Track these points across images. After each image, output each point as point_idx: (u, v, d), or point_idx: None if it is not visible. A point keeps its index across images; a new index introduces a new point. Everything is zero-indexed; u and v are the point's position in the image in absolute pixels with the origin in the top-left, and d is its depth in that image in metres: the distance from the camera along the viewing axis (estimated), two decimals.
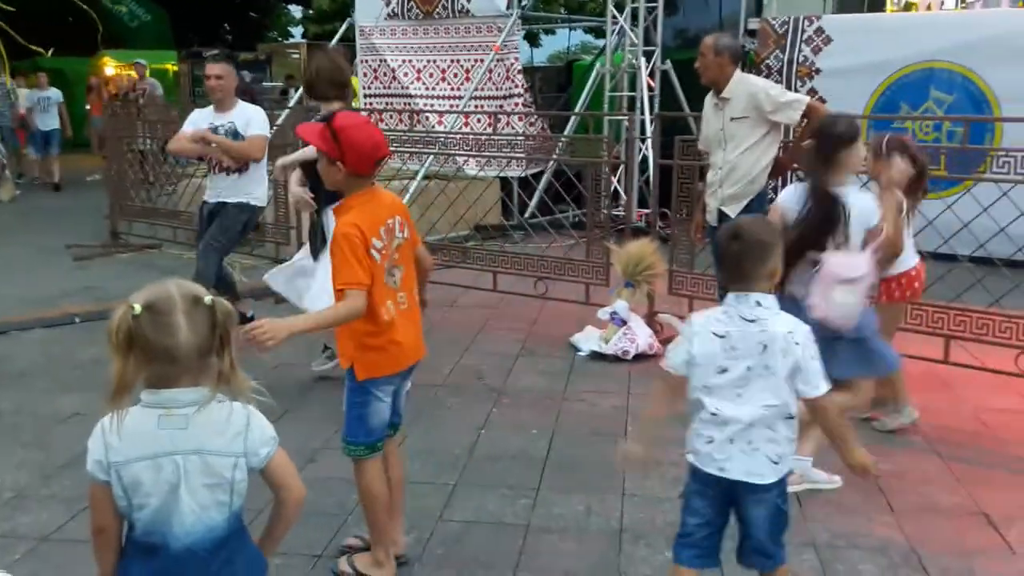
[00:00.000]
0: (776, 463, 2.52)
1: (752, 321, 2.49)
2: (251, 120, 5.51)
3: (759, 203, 4.85)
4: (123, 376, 1.87)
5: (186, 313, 1.88)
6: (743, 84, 4.79)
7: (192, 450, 1.92)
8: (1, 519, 3.57)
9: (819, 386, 2.49)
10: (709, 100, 4.98)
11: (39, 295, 7.00)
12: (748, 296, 2.51)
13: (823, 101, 8.67)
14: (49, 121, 13.47)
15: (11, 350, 5.73)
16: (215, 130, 5.47)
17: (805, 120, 4.76)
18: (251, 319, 5.96)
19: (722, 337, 2.50)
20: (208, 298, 1.93)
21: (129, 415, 1.92)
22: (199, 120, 5.60)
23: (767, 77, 8.95)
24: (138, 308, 1.87)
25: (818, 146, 3.64)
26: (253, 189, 5.67)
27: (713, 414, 2.51)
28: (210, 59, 5.84)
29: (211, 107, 5.61)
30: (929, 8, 11.50)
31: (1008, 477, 4.01)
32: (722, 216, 4.88)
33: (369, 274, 2.83)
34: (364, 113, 9.65)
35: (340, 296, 2.82)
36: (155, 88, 14.08)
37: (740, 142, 4.81)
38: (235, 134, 5.48)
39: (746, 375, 2.48)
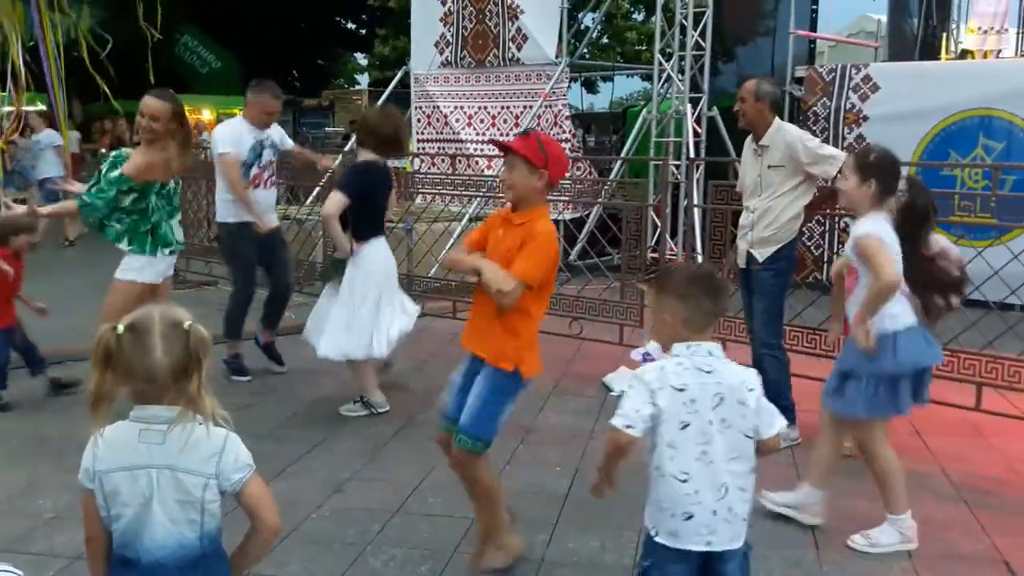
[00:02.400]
0: (746, 520, 2.46)
1: (708, 372, 2.42)
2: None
3: (789, 250, 4.85)
4: (99, 389, 2.02)
5: (163, 335, 2.01)
6: (781, 133, 4.81)
7: (165, 465, 2.03)
8: (40, 537, 3.73)
9: (774, 424, 2.47)
10: (748, 145, 5.02)
11: (95, 327, 7.27)
12: (701, 346, 2.44)
13: None
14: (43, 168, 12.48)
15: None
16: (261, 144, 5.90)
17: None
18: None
19: (681, 391, 2.39)
20: (187, 323, 2.05)
21: (117, 427, 2.06)
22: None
23: (814, 124, 9.01)
24: (121, 328, 2.01)
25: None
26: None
27: (683, 481, 2.38)
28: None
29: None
30: (986, 56, 11.45)
31: None
32: (750, 258, 4.91)
33: (546, 282, 3.21)
34: (416, 158, 9.91)
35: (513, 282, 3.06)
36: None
37: (776, 190, 4.83)
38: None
39: (708, 430, 2.39)
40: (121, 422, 2.07)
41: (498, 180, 3.50)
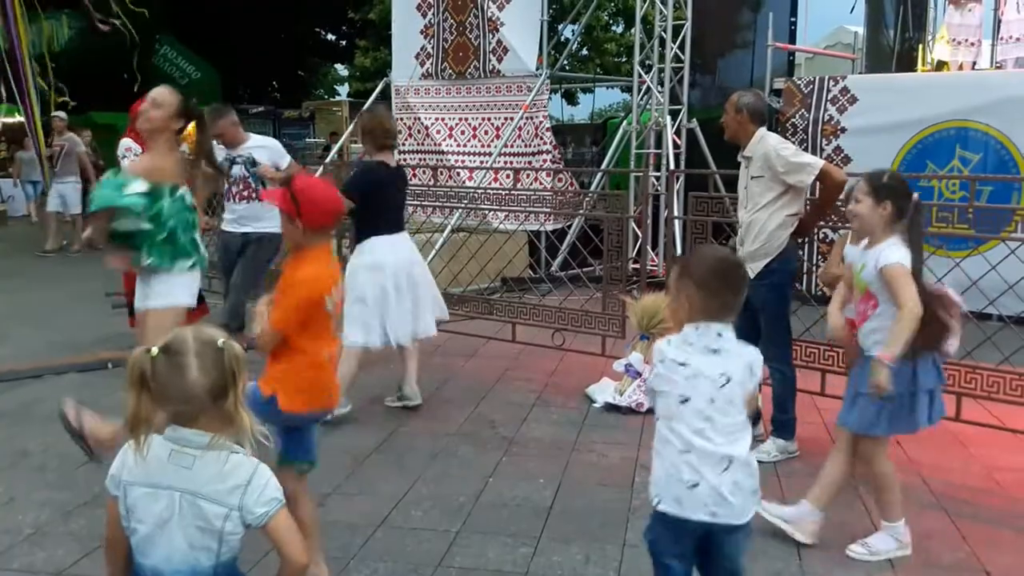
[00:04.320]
0: (756, 492, 2.57)
1: (715, 351, 2.54)
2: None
3: (781, 263, 4.82)
4: (136, 412, 2.00)
5: (198, 354, 2.00)
6: (761, 144, 4.82)
7: (189, 491, 2.02)
8: (20, 554, 3.69)
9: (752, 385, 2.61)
10: (740, 156, 5.05)
11: (75, 340, 7.24)
12: (711, 327, 2.54)
13: (848, 160, 8.81)
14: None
15: (44, 393, 5.92)
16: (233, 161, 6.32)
17: (820, 184, 4.81)
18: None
19: (683, 365, 2.52)
20: (221, 341, 2.05)
21: (150, 442, 2.04)
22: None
23: (793, 136, 9.08)
24: (155, 350, 2.00)
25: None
26: None
27: (685, 452, 2.50)
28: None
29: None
30: (961, 68, 11.57)
31: (1015, 536, 3.97)
32: None
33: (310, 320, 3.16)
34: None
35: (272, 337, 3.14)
36: (76, 144, 13.12)
37: (758, 201, 4.83)
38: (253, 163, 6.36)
39: (709, 407, 2.50)
40: (156, 436, 2.05)
41: None
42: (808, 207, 5.04)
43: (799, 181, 4.74)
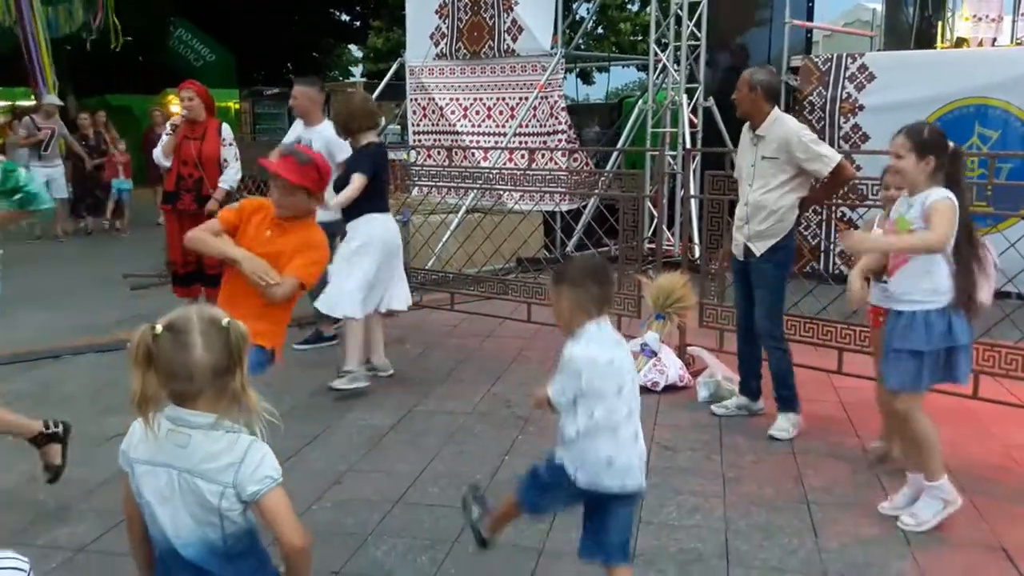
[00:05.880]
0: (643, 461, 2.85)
1: (618, 342, 2.83)
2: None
3: (787, 241, 4.83)
4: (142, 391, 1.99)
5: (202, 333, 2.00)
6: (779, 124, 4.78)
7: (185, 469, 2.03)
8: (43, 530, 3.75)
9: None
10: (746, 132, 5.01)
11: (94, 322, 7.29)
12: (603, 320, 2.80)
13: (866, 137, 8.76)
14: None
15: (63, 374, 5.99)
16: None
17: (831, 176, 4.78)
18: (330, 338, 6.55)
19: (611, 363, 2.74)
20: (225, 320, 2.05)
21: (156, 421, 2.05)
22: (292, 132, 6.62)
23: (810, 114, 9.02)
24: (159, 328, 2.00)
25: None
26: None
27: (613, 433, 2.72)
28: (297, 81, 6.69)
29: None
30: (981, 45, 11.45)
31: None
32: (748, 252, 4.92)
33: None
34: (412, 150, 9.93)
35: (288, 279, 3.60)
36: (62, 128, 12.50)
37: (768, 181, 4.81)
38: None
39: (630, 390, 2.78)
40: (160, 415, 2.06)
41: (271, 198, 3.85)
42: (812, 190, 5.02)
43: (815, 171, 4.73)
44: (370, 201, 5.55)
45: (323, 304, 5.55)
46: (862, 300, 4.20)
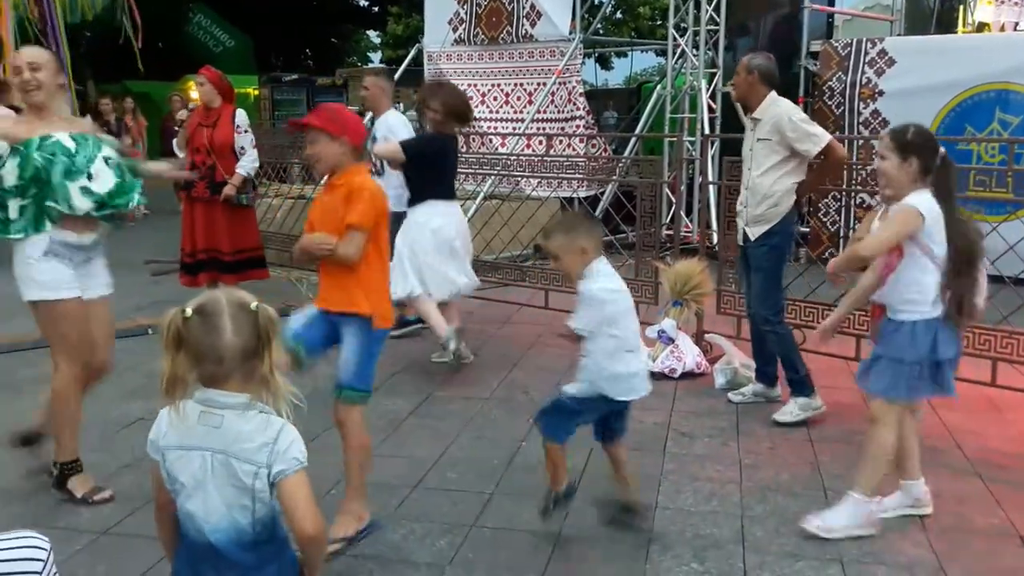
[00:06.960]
0: None
1: (615, 273, 3.49)
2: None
3: (783, 226, 4.84)
4: (173, 373, 2.03)
5: (232, 316, 2.04)
6: (774, 106, 4.82)
7: (219, 449, 2.06)
8: (66, 513, 3.81)
9: None
10: (747, 118, 5.06)
11: (115, 307, 7.33)
12: (603, 259, 3.46)
13: (886, 123, 8.68)
14: None
15: None
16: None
17: (823, 158, 4.78)
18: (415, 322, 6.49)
19: (621, 290, 3.45)
20: (254, 304, 2.08)
21: (183, 406, 2.08)
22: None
23: (830, 99, 8.96)
24: (189, 311, 2.03)
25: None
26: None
27: (630, 351, 3.39)
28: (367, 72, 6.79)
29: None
30: (1003, 29, 11.32)
31: None
32: (746, 236, 4.93)
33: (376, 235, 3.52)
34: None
35: (348, 233, 3.38)
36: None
37: (761, 163, 4.84)
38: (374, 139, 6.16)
39: (632, 308, 3.50)
40: (188, 400, 2.09)
41: (305, 157, 3.73)
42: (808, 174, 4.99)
43: (805, 150, 4.73)
44: (423, 188, 5.68)
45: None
46: (838, 262, 3.99)
